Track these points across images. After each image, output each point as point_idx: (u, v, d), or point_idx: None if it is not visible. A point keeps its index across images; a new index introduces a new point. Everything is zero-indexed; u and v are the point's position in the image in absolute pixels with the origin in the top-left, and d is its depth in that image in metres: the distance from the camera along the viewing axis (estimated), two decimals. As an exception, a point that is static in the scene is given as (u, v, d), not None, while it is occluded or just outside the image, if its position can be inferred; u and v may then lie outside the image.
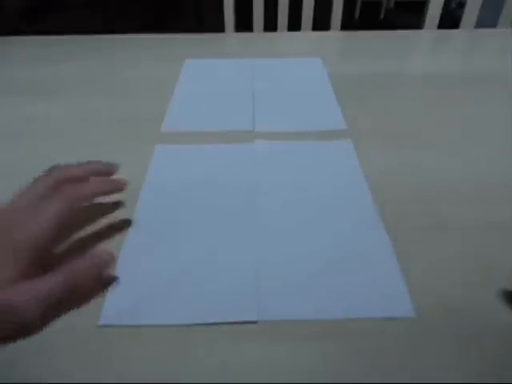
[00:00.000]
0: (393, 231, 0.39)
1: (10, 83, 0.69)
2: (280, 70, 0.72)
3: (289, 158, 0.50)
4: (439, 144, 0.53)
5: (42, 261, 0.28)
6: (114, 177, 0.35)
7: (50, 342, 0.30)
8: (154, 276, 0.35)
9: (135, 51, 0.81)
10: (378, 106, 0.61)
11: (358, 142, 0.52)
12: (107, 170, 0.35)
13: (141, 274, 0.35)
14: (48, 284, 0.26)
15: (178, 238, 0.39)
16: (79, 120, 0.58)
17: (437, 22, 0.97)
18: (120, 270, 0.35)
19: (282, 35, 0.96)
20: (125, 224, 0.34)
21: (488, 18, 0.98)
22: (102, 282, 0.29)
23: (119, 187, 0.34)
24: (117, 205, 0.34)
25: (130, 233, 0.39)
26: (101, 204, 0.34)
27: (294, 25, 1.01)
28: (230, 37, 0.95)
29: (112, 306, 0.33)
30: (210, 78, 0.69)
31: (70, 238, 0.31)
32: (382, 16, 2.66)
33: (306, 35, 0.95)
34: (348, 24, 1.09)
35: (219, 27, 0.99)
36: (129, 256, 0.37)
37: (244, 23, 1.03)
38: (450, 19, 1.19)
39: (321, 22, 1.04)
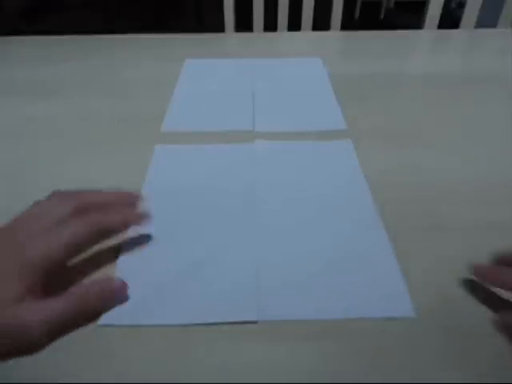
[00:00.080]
0: (393, 231, 0.39)
1: (10, 83, 0.69)
2: (280, 70, 0.72)
3: (289, 157, 0.50)
4: (439, 144, 0.53)
5: (49, 279, 0.27)
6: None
7: (49, 342, 0.30)
8: (154, 276, 0.35)
9: (135, 51, 0.81)
10: (378, 106, 0.61)
11: (358, 142, 0.52)
12: (130, 199, 0.35)
13: (141, 274, 0.35)
14: (61, 305, 0.26)
15: (178, 238, 0.39)
16: (79, 120, 0.58)
17: (437, 22, 0.97)
18: (120, 270, 0.36)
19: (282, 35, 0.96)
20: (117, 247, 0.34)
21: (488, 18, 0.99)
22: (112, 304, 0.29)
23: (143, 219, 0.34)
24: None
25: (130, 233, 0.39)
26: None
27: (294, 25, 1.01)
28: (230, 37, 0.95)
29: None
30: (209, 78, 0.69)
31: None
32: (382, 16, 2.66)
33: (306, 35, 0.95)
34: (348, 24, 1.09)
35: (219, 27, 0.99)
36: (128, 256, 0.37)
37: (244, 23, 1.03)
38: (450, 19, 1.19)
39: (321, 22, 1.04)
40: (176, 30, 0.91)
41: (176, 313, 0.33)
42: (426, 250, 0.38)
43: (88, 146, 0.53)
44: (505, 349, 0.28)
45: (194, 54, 0.78)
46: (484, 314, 0.32)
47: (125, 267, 0.36)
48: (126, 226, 0.33)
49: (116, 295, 0.29)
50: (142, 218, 0.34)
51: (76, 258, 0.31)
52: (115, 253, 0.36)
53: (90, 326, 0.31)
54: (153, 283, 0.35)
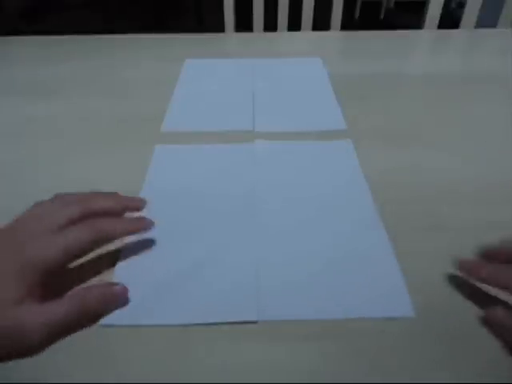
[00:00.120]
0: (393, 231, 0.39)
1: (10, 83, 0.69)
2: (280, 70, 0.72)
3: (289, 157, 0.50)
4: (439, 144, 0.53)
5: (49, 281, 0.27)
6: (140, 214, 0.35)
7: (50, 342, 0.30)
8: (154, 276, 0.35)
9: (135, 51, 0.81)
10: (378, 106, 0.61)
11: (358, 142, 0.52)
12: (135, 206, 0.35)
13: (141, 274, 0.35)
14: (62, 308, 0.26)
15: (178, 238, 0.39)
16: (79, 120, 0.58)
17: (437, 22, 0.97)
18: (120, 270, 0.36)
19: (282, 35, 0.96)
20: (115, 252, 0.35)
21: (488, 18, 0.98)
22: (113, 308, 0.29)
23: (146, 227, 0.34)
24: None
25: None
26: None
27: (294, 25, 1.01)
28: (230, 37, 0.95)
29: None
30: (209, 78, 0.69)
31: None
32: (382, 16, 2.66)
33: (306, 35, 0.95)
34: (348, 24, 1.09)
35: (219, 27, 0.99)
36: (129, 256, 0.37)
37: (244, 23, 1.03)
38: (450, 19, 1.19)
39: (321, 22, 1.04)
40: (176, 30, 0.91)
41: (176, 313, 0.33)
42: (426, 250, 0.38)
43: (88, 145, 0.53)
44: (505, 349, 0.29)
45: (193, 53, 0.78)
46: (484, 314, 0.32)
47: (125, 267, 0.36)
48: (128, 234, 0.33)
49: (117, 299, 0.29)
50: (145, 228, 0.34)
51: (76, 260, 0.31)
52: (115, 252, 0.36)
53: (91, 327, 0.31)
54: (153, 283, 0.35)
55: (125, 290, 0.30)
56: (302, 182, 0.46)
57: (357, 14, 2.64)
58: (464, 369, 0.29)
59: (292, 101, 0.62)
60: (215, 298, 0.34)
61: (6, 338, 0.24)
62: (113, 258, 0.36)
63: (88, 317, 0.28)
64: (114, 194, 0.36)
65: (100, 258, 0.34)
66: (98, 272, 0.34)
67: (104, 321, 0.31)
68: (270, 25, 1.03)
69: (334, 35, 0.96)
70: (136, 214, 0.36)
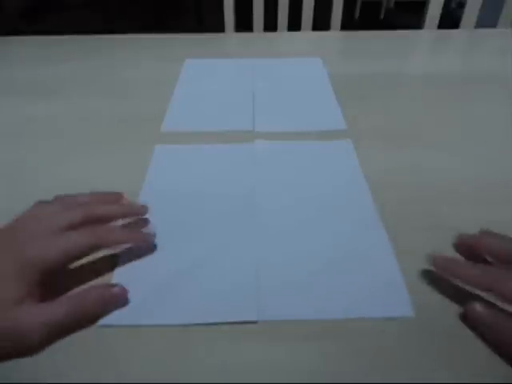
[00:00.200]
0: (393, 231, 0.39)
1: (10, 83, 0.69)
2: (280, 70, 0.72)
3: (289, 158, 0.50)
4: (439, 144, 0.53)
5: (48, 282, 0.27)
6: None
7: (50, 342, 0.30)
8: (153, 276, 0.35)
9: (135, 51, 0.81)
10: (378, 106, 0.61)
11: (358, 142, 0.52)
12: (136, 211, 0.35)
13: (141, 274, 0.35)
14: (61, 309, 0.26)
15: (178, 238, 0.39)
16: (79, 120, 0.58)
17: (437, 22, 0.97)
18: (120, 270, 0.36)
19: (282, 35, 0.96)
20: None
21: (488, 18, 0.98)
22: (112, 309, 0.29)
23: (146, 240, 0.34)
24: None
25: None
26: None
27: (294, 25, 1.01)
28: (230, 37, 0.95)
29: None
30: (209, 78, 0.69)
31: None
32: (382, 16, 2.66)
33: (306, 35, 0.95)
34: (348, 24, 1.09)
35: (219, 27, 0.99)
36: (128, 256, 0.37)
37: (244, 23, 1.03)
38: (450, 19, 1.19)
39: (321, 22, 1.04)
40: (176, 30, 0.91)
41: (176, 313, 0.33)
42: (426, 250, 0.38)
43: (88, 145, 0.53)
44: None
45: (193, 53, 0.78)
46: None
47: (125, 267, 0.36)
48: (129, 244, 0.34)
49: (116, 300, 0.29)
50: (145, 240, 0.34)
51: (75, 261, 0.31)
52: (115, 253, 0.36)
53: (91, 327, 0.31)
54: (153, 283, 0.35)
55: (124, 291, 0.30)
56: (302, 182, 0.46)
57: (357, 14, 2.64)
58: (463, 369, 0.29)
59: (292, 101, 0.62)
60: (215, 298, 0.34)
61: (6, 338, 0.24)
62: (113, 259, 0.36)
63: (87, 317, 0.28)
64: (115, 196, 0.36)
65: (100, 258, 0.34)
66: (97, 272, 0.34)
67: (103, 321, 0.31)
68: (270, 25, 1.03)
69: (334, 35, 0.96)
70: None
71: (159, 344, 0.31)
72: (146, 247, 0.37)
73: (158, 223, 0.40)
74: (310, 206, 0.43)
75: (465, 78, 0.70)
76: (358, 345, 0.31)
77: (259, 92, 0.65)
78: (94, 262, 0.34)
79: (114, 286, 0.30)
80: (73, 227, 0.30)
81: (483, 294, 0.31)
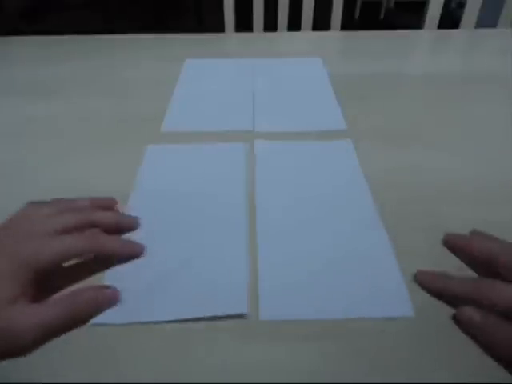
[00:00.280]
0: (393, 231, 0.39)
1: (10, 83, 0.69)
2: (280, 70, 0.72)
3: (289, 158, 0.50)
4: (439, 144, 0.53)
5: (41, 282, 0.27)
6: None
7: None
8: (145, 275, 0.35)
9: (135, 51, 0.81)
10: (378, 106, 0.61)
11: (357, 142, 0.52)
12: (131, 224, 0.35)
13: (132, 272, 0.35)
14: (55, 309, 0.26)
15: (177, 238, 0.39)
16: (79, 120, 0.58)
17: (437, 22, 0.97)
18: (113, 268, 0.35)
19: (282, 35, 0.96)
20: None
21: (488, 18, 0.98)
22: (103, 310, 0.29)
23: (139, 253, 0.34)
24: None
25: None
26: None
27: (294, 25, 1.01)
28: (230, 37, 0.95)
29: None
30: (209, 78, 0.69)
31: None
32: (382, 16, 2.66)
33: (306, 35, 0.95)
34: (348, 24, 1.09)
35: (219, 27, 0.99)
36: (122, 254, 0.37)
37: (244, 23, 1.03)
38: (450, 19, 1.19)
39: (321, 22, 1.04)
40: (176, 30, 0.91)
41: (167, 309, 0.33)
42: (426, 250, 0.38)
43: (88, 145, 0.53)
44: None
45: (194, 53, 0.78)
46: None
47: (118, 266, 0.35)
48: (121, 254, 0.33)
49: (108, 301, 0.29)
50: (137, 254, 0.34)
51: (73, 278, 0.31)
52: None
53: (88, 326, 0.31)
54: (145, 281, 0.34)
55: (117, 293, 0.30)
56: (302, 182, 0.46)
57: (357, 13, 2.64)
58: (463, 369, 0.29)
59: (292, 101, 0.62)
60: (206, 294, 0.34)
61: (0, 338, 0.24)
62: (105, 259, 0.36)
63: (80, 318, 0.28)
64: (109, 202, 0.36)
65: (92, 258, 0.34)
66: (89, 271, 0.33)
67: (95, 320, 0.31)
68: (270, 25, 1.03)
69: (334, 35, 0.96)
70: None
71: (159, 344, 0.31)
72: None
73: (157, 223, 0.40)
74: (310, 205, 0.43)
75: (465, 78, 0.70)
76: (357, 345, 0.31)
77: (259, 92, 0.65)
78: (86, 263, 0.34)
79: (107, 287, 0.30)
80: (66, 231, 0.30)
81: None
